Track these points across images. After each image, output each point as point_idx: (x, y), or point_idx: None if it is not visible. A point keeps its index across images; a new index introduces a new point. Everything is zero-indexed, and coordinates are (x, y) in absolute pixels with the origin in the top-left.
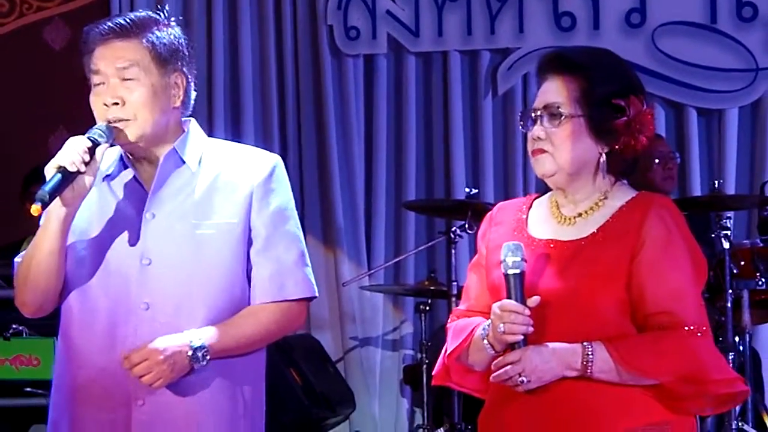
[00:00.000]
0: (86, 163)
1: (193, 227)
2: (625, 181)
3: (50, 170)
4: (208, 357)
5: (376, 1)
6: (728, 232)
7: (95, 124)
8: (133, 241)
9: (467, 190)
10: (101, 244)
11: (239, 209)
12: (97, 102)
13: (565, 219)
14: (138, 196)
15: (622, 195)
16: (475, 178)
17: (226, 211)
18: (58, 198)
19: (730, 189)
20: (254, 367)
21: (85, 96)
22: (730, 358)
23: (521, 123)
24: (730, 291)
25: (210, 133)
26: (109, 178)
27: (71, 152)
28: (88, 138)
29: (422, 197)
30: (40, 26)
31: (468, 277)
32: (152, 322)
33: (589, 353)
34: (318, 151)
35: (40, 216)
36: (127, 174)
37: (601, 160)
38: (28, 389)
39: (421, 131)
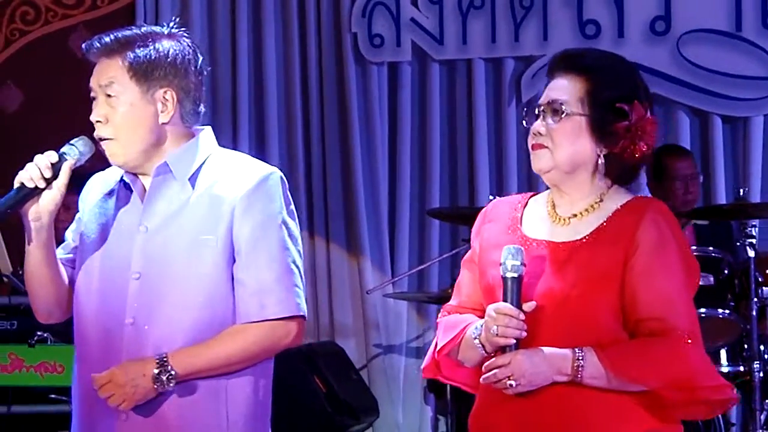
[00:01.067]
0: (48, 179)
1: (178, 241)
2: (621, 186)
3: (16, 183)
4: (173, 381)
5: (400, 8)
6: (753, 241)
7: None
8: (126, 253)
9: (491, 197)
10: (103, 254)
11: (221, 224)
12: (91, 117)
13: (559, 219)
14: (134, 210)
15: (618, 198)
16: (499, 186)
17: (209, 225)
18: (25, 214)
19: (755, 197)
20: (251, 383)
21: None
22: (756, 366)
23: (525, 118)
24: (756, 299)
25: (234, 142)
26: (116, 190)
27: (32, 168)
28: (60, 152)
29: (446, 205)
30: (65, 34)
31: (461, 273)
32: (137, 336)
33: (580, 359)
34: (342, 158)
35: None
36: (127, 191)
37: (600, 162)
38: (53, 396)
39: (445, 139)
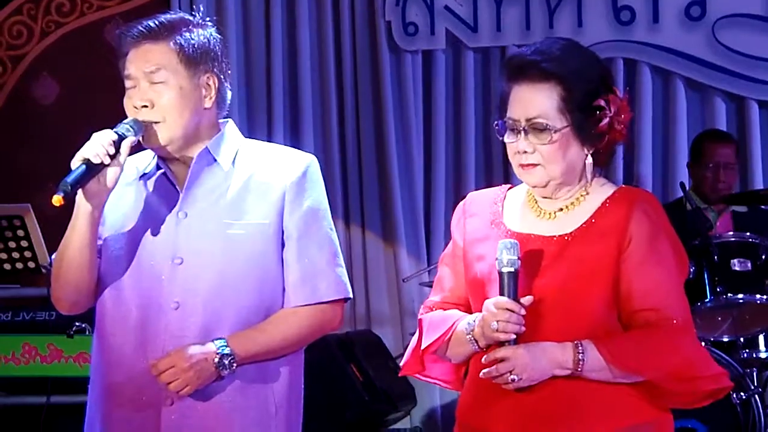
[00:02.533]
0: (111, 156)
1: (224, 227)
2: (602, 176)
3: (75, 162)
4: (234, 365)
5: None
6: None
7: None
8: (166, 240)
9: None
10: (134, 242)
11: (272, 210)
12: (128, 105)
13: (544, 213)
14: (171, 195)
15: (603, 190)
16: None
17: (258, 211)
18: (84, 193)
19: None
20: (289, 368)
21: None
22: None
23: (497, 130)
24: None
25: (269, 131)
26: (145, 177)
27: (96, 144)
28: (115, 131)
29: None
30: (100, 25)
31: (440, 269)
32: (182, 321)
33: (581, 352)
34: (377, 147)
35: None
36: (161, 174)
37: (588, 161)
38: None
39: (480, 126)
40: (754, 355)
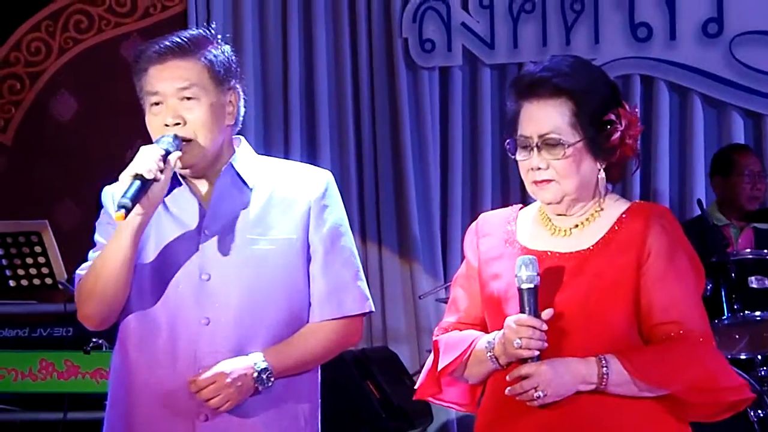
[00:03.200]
0: (160, 171)
1: (250, 243)
2: (613, 192)
3: (126, 178)
4: (272, 379)
5: (451, 13)
6: None
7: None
8: (191, 256)
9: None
10: (160, 259)
11: (297, 225)
12: (154, 122)
13: (558, 230)
14: (194, 212)
15: (618, 205)
16: None
17: (284, 227)
18: (140, 205)
19: None
20: (312, 383)
21: None
22: None
23: (508, 149)
24: None
25: (286, 148)
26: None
27: (148, 160)
28: (161, 147)
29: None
30: (117, 42)
31: (453, 290)
32: (213, 337)
33: (605, 366)
34: (393, 163)
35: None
36: (183, 191)
37: (600, 176)
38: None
39: (497, 143)
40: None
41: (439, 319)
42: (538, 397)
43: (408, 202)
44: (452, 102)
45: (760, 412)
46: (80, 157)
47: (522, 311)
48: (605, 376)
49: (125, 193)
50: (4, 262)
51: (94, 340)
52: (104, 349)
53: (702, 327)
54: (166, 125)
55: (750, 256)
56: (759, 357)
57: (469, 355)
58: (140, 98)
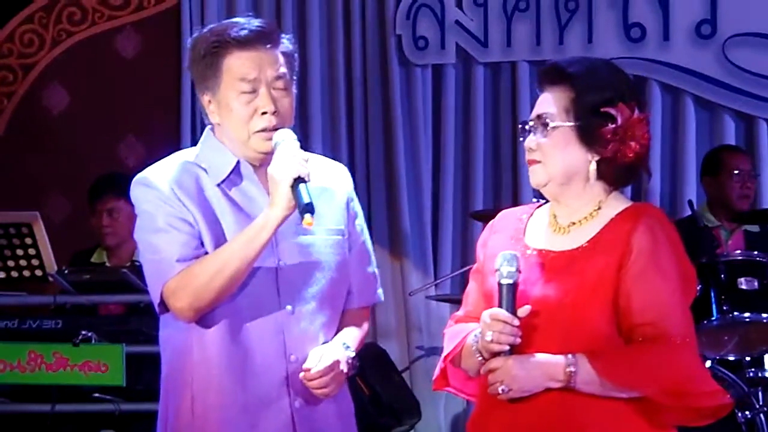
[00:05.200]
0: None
1: (310, 231)
2: (621, 191)
3: (288, 181)
4: (357, 365)
5: (445, 11)
6: None
7: (169, 133)
8: (266, 246)
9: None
10: None
11: (341, 216)
12: (246, 109)
13: (560, 228)
14: (262, 201)
15: (616, 205)
16: None
17: (332, 217)
18: (309, 206)
19: None
20: None
21: (154, 105)
22: None
23: (520, 135)
24: None
25: None
26: (226, 184)
27: (301, 161)
28: (294, 146)
29: (489, 207)
30: (111, 35)
31: (469, 284)
32: (298, 325)
33: (571, 365)
34: (385, 160)
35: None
36: (248, 181)
37: (591, 168)
38: (96, 395)
39: (489, 141)
40: (760, 374)
41: (429, 316)
42: (503, 391)
43: (399, 198)
44: (445, 99)
45: (748, 413)
46: (72, 150)
47: (499, 306)
48: (573, 375)
49: (301, 198)
50: None
51: (83, 332)
52: (93, 341)
53: (681, 330)
54: (264, 113)
55: (740, 258)
56: (747, 358)
57: (461, 348)
58: (206, 82)
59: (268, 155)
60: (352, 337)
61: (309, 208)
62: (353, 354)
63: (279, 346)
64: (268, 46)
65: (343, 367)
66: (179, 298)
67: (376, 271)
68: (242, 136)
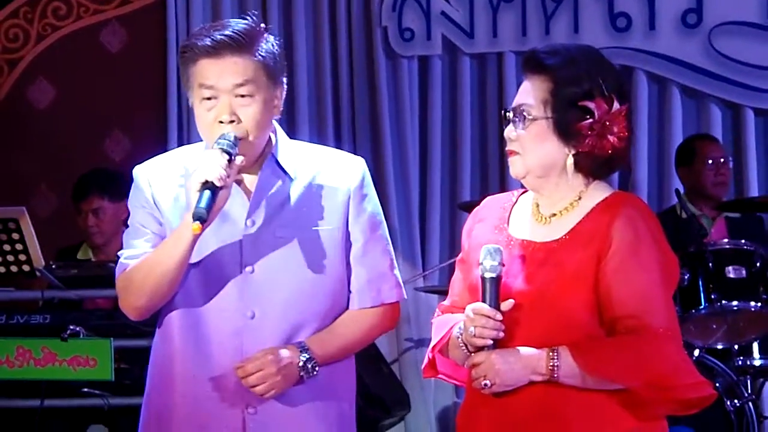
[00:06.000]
0: (228, 177)
1: (294, 234)
2: (602, 182)
3: (195, 185)
4: (317, 368)
5: (430, 2)
6: None
7: (156, 127)
8: (234, 248)
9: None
10: (202, 249)
11: (337, 215)
12: (206, 117)
13: (542, 218)
14: (239, 204)
15: (596, 195)
16: None
17: (325, 216)
18: (200, 212)
19: None
20: (352, 370)
21: (140, 99)
22: None
23: (504, 123)
24: None
25: None
26: None
27: (216, 168)
28: (223, 150)
29: (477, 198)
30: (96, 29)
31: (455, 273)
32: (259, 330)
33: (554, 358)
34: (372, 152)
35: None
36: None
37: (569, 162)
38: (85, 390)
39: (476, 132)
40: (749, 363)
41: (418, 307)
42: (486, 386)
43: (387, 190)
44: (431, 91)
45: (736, 401)
46: (58, 145)
47: (483, 299)
48: (555, 368)
49: (198, 203)
50: None
51: (71, 327)
52: (81, 336)
53: (663, 321)
54: (221, 122)
55: (727, 246)
56: (736, 347)
57: (448, 339)
58: (186, 87)
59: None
60: (319, 339)
61: (198, 215)
62: (307, 356)
63: (236, 350)
64: (234, 53)
65: (283, 368)
66: (122, 297)
67: (389, 271)
68: (209, 141)
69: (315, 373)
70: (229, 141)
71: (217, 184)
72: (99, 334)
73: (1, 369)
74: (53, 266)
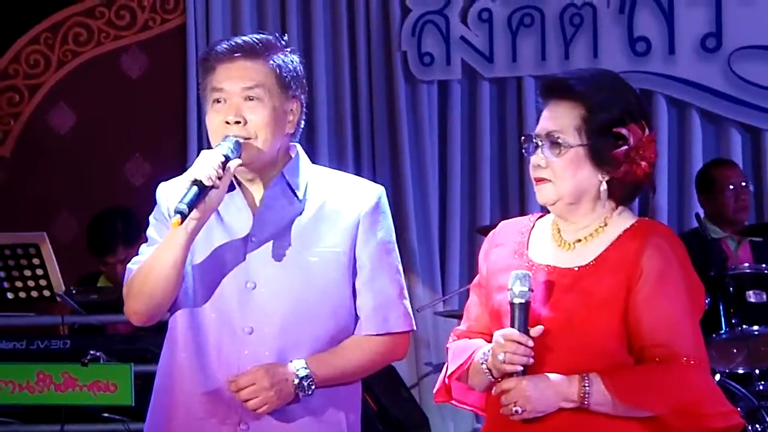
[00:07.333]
0: (219, 178)
1: (298, 253)
2: (626, 208)
3: (184, 182)
4: (313, 387)
5: (450, 27)
6: None
7: (176, 151)
8: (238, 263)
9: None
10: (208, 264)
11: (345, 238)
12: (215, 119)
13: (565, 244)
14: (244, 219)
15: (622, 222)
16: None
17: (332, 239)
18: (180, 207)
19: None
20: (355, 394)
21: (160, 123)
22: None
23: (524, 148)
24: None
25: None
26: None
27: (207, 167)
28: (221, 153)
29: (496, 222)
30: (117, 54)
31: (470, 297)
32: (257, 346)
33: (586, 386)
34: (392, 176)
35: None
36: (235, 196)
37: (602, 188)
38: (105, 415)
39: (495, 157)
40: None
41: (437, 332)
42: (516, 412)
43: (406, 214)
44: (451, 115)
45: (758, 426)
46: (78, 170)
47: (512, 326)
48: (587, 395)
49: (182, 198)
50: (2, 274)
51: (91, 352)
52: (102, 361)
53: (692, 350)
54: (227, 123)
55: (748, 271)
56: (757, 371)
57: (470, 365)
58: (203, 98)
59: (247, 165)
60: (319, 359)
61: (178, 210)
62: (304, 374)
63: (233, 366)
64: (247, 58)
65: (277, 384)
66: (125, 302)
67: (398, 299)
68: (214, 143)
69: (311, 392)
70: (231, 144)
71: (206, 182)
72: (119, 359)
73: (22, 394)
74: (73, 291)
